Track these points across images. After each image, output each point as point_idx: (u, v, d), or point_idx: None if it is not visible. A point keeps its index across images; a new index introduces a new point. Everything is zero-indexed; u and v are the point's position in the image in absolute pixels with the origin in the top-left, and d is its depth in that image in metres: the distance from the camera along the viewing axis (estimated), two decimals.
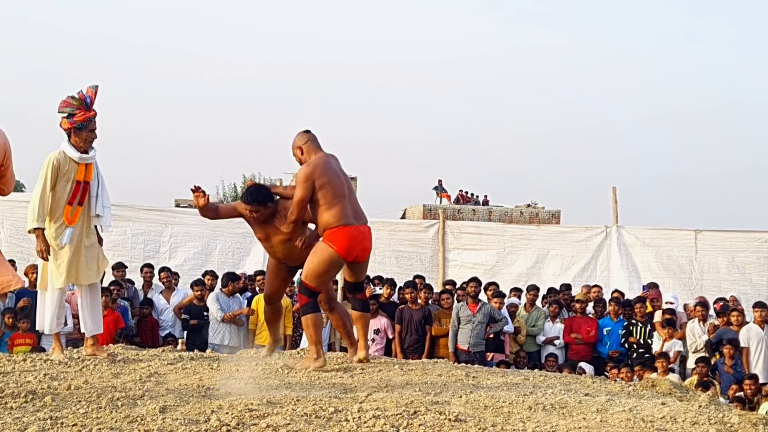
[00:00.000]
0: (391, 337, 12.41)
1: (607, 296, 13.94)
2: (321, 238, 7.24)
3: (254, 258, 15.11)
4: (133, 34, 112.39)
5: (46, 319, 7.84)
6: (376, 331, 12.37)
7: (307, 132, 7.47)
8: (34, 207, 7.59)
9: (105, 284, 12.46)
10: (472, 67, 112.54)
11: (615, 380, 8.70)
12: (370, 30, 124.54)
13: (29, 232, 7.74)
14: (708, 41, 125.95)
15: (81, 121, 7.62)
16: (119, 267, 12.83)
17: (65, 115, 7.65)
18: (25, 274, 11.86)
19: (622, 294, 13.83)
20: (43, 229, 7.62)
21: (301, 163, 7.36)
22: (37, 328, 8.10)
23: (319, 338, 7.26)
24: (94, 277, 8.01)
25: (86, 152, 7.78)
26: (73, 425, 4.45)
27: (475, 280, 12.85)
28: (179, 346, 8.49)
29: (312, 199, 7.13)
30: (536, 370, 8.60)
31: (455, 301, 12.82)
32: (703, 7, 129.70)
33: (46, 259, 7.65)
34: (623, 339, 12.51)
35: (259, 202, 7.36)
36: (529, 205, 49.34)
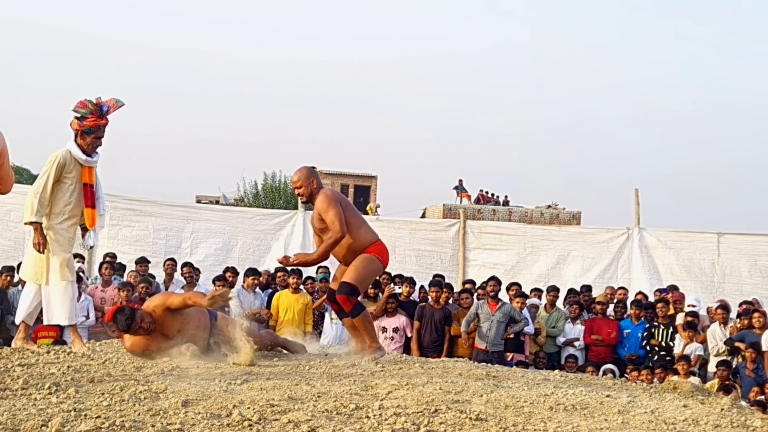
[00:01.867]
0: (409, 335, 12.41)
1: (628, 298, 13.89)
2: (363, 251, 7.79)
3: (275, 255, 15.12)
4: (155, 38, 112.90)
5: (62, 312, 7.92)
6: (395, 330, 12.38)
7: (314, 168, 8.13)
8: (33, 201, 7.71)
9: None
10: (494, 63, 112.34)
11: (635, 382, 8.67)
12: (389, 26, 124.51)
13: (26, 224, 7.86)
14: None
15: (90, 126, 7.79)
16: (142, 262, 12.89)
17: (78, 115, 7.80)
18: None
19: (646, 296, 13.77)
20: (40, 223, 7.74)
21: (308, 194, 7.86)
22: (52, 322, 8.21)
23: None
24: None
25: (90, 156, 7.92)
26: (97, 417, 4.47)
27: (494, 279, 12.83)
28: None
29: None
30: (556, 371, 8.58)
31: (475, 300, 12.81)
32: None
33: (42, 252, 7.75)
34: (644, 341, 12.45)
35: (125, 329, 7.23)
36: (549, 206, 49.30)
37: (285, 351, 8.13)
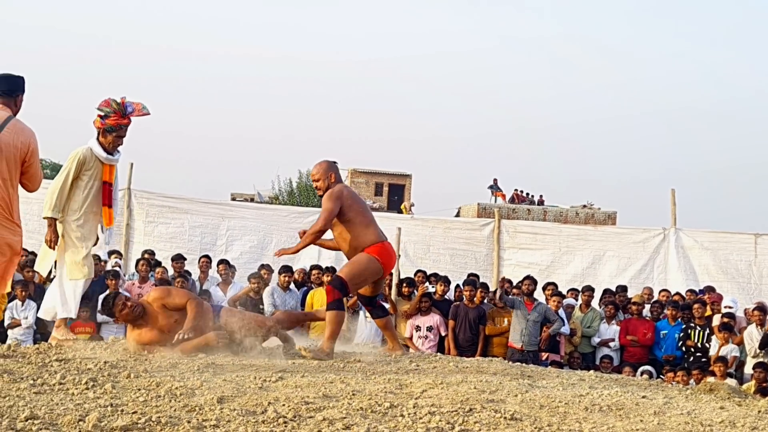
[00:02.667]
0: (443, 334, 12.40)
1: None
2: (362, 251, 7.75)
3: (309, 253, 15.14)
4: (191, 41, 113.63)
5: (61, 306, 8.04)
6: (429, 328, 12.38)
7: (335, 162, 8.04)
8: (52, 196, 7.82)
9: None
10: (530, 59, 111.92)
11: (671, 383, 8.62)
12: (424, 22, 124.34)
13: (44, 218, 7.92)
14: None
15: (111, 125, 7.86)
16: (178, 259, 12.95)
17: (101, 114, 7.87)
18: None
19: (683, 297, 13.66)
20: (56, 219, 7.82)
21: (325, 188, 7.83)
22: (42, 315, 8.40)
23: (337, 335, 7.63)
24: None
25: (111, 154, 8.00)
26: (133, 413, 4.50)
27: (529, 278, 12.79)
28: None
29: (344, 219, 7.71)
30: (591, 371, 8.53)
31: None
32: None
33: (53, 248, 7.84)
34: (680, 342, 12.35)
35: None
36: (584, 206, 49.09)
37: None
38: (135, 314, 7.30)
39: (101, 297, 11.71)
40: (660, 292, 14.24)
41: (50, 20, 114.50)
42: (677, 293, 13.98)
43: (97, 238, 8.35)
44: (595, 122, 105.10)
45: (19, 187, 6.09)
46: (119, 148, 8.10)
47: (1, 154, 5.73)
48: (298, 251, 7.95)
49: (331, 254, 15.41)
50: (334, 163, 7.98)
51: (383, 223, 15.99)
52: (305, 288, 12.80)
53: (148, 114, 8.03)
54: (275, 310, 11.89)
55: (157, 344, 7.33)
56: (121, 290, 11.87)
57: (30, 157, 5.82)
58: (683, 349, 12.32)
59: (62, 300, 8.07)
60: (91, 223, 8.08)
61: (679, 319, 12.64)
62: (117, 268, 12.89)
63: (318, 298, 12.10)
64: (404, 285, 13.05)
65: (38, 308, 10.89)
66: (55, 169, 49.32)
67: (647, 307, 13.33)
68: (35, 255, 12.54)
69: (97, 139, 7.96)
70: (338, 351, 7.66)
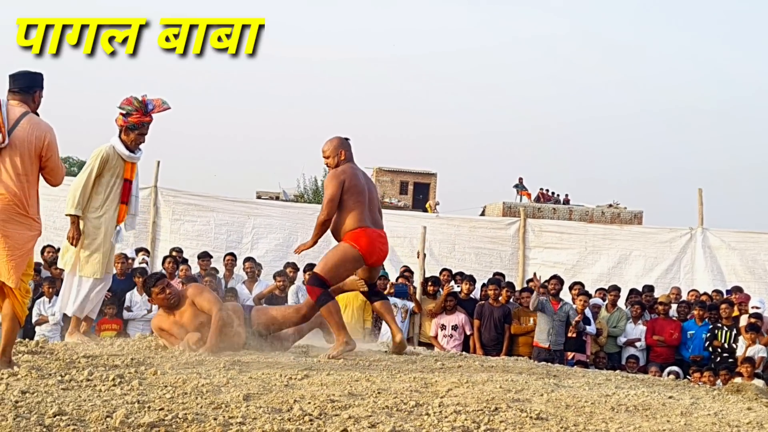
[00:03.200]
0: (469, 333, 12.39)
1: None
2: (342, 239, 7.54)
3: None
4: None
5: (75, 303, 8.11)
6: (454, 327, 12.38)
7: (348, 139, 7.77)
8: (75, 193, 7.89)
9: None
10: (555, 57, 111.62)
11: (697, 384, 8.57)
12: (447, 18, 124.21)
13: (66, 215, 7.99)
14: None
15: (134, 122, 7.94)
16: (204, 257, 13.00)
17: (123, 112, 7.95)
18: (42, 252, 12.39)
19: (711, 297, 13.58)
20: (79, 216, 7.89)
21: (334, 166, 7.62)
22: (62, 310, 8.47)
23: (343, 323, 7.41)
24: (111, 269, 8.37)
25: (133, 152, 8.08)
26: (160, 409, 4.53)
27: (556, 277, 12.76)
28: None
29: (340, 202, 7.45)
30: (617, 371, 8.50)
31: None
32: None
33: (75, 245, 7.90)
34: (707, 343, 12.27)
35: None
36: (610, 205, 48.94)
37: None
38: (170, 302, 7.44)
39: (128, 294, 11.79)
40: (689, 292, 14.16)
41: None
42: (705, 293, 13.89)
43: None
44: (621, 120, 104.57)
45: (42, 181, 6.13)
46: (141, 146, 8.17)
47: (15, 149, 5.78)
48: (314, 243, 7.60)
49: None
50: (346, 140, 7.74)
51: (408, 221, 16.19)
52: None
53: (169, 108, 8.10)
54: None
55: (174, 337, 7.41)
56: None
57: (46, 151, 5.85)
58: (710, 349, 12.25)
59: (74, 297, 8.14)
60: (113, 221, 8.14)
61: (706, 320, 12.56)
62: (144, 265, 12.96)
63: (344, 296, 12.08)
64: (429, 284, 13.05)
65: None
66: (82, 166, 49.64)
67: (674, 307, 13.26)
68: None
69: (119, 136, 8.03)
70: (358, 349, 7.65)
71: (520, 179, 50.81)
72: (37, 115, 6.08)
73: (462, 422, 4.63)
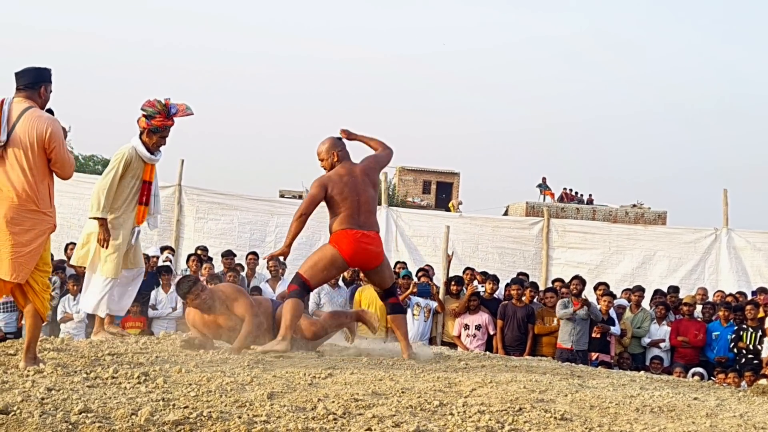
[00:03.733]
0: (492, 333, 12.38)
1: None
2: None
3: None
4: (236, 47, 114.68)
5: (93, 301, 8.18)
6: (477, 327, 12.37)
7: (339, 139, 7.70)
8: (99, 196, 7.93)
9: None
10: (578, 55, 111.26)
11: (722, 385, 8.52)
12: (469, 16, 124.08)
13: (92, 218, 8.03)
14: None
15: (157, 125, 8.00)
16: (228, 255, 13.04)
17: (146, 114, 8.00)
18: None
19: (736, 298, 13.49)
20: (105, 219, 7.95)
21: (329, 168, 7.56)
22: (84, 309, 8.53)
23: (293, 324, 7.25)
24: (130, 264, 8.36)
25: (153, 154, 8.15)
26: (184, 407, 4.54)
27: (577, 278, 12.73)
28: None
29: (329, 205, 7.42)
30: (642, 372, 8.46)
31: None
32: None
33: (106, 247, 7.97)
34: (732, 344, 12.19)
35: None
36: (634, 206, 48.74)
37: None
38: (204, 306, 7.47)
39: (153, 292, 11.85)
40: (715, 293, 14.08)
41: (94, 24, 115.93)
42: (730, 294, 13.81)
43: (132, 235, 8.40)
44: (645, 119, 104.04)
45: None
46: (161, 148, 8.24)
47: (18, 145, 5.81)
48: (287, 248, 7.50)
49: None
50: (339, 140, 7.69)
51: (431, 221, 16.18)
52: (354, 285, 12.80)
53: (192, 114, 8.16)
54: (317, 309, 11.92)
55: (207, 333, 7.47)
56: (171, 286, 12.02)
57: (49, 142, 5.85)
58: (735, 351, 12.16)
59: (96, 296, 8.20)
60: (129, 221, 8.19)
61: (731, 321, 12.48)
62: (168, 263, 13.02)
63: (366, 296, 12.11)
64: (453, 283, 13.04)
65: None
66: (106, 164, 49.89)
67: (698, 308, 13.18)
68: None
69: (140, 137, 8.09)
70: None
71: (544, 179, 50.67)
72: (52, 112, 6.12)
73: (486, 422, 4.62)
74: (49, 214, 5.96)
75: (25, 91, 5.97)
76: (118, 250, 8.04)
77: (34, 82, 6.00)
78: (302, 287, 7.42)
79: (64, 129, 6.11)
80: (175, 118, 8.08)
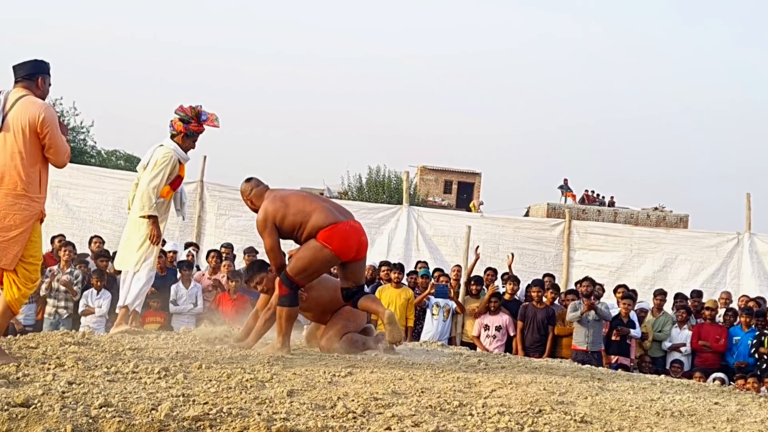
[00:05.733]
0: (512, 334, 12.36)
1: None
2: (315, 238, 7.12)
3: (378, 249, 15.18)
4: (258, 46, 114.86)
5: (133, 294, 8.57)
6: (498, 328, 12.36)
7: (248, 180, 7.52)
8: (150, 195, 8.34)
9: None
10: (600, 57, 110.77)
11: (742, 390, 8.47)
12: (490, 17, 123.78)
13: (143, 217, 8.39)
14: None
15: (193, 130, 8.53)
16: (250, 251, 13.05)
17: (182, 118, 8.50)
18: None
19: (758, 303, 13.39)
20: (156, 217, 8.39)
21: (256, 211, 7.38)
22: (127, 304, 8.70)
23: (289, 331, 7.13)
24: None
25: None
26: (204, 403, 4.54)
27: (588, 279, 12.75)
28: (303, 332, 8.66)
29: (287, 224, 7.12)
30: (662, 376, 8.42)
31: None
32: None
33: (157, 243, 8.44)
34: (753, 349, 12.11)
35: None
36: (656, 208, 48.55)
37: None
38: (266, 292, 7.71)
39: (172, 287, 11.88)
40: (739, 297, 13.98)
41: (134, 28, 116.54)
42: (752, 299, 13.72)
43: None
44: (668, 122, 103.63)
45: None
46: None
47: (10, 130, 5.87)
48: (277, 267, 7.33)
49: (399, 249, 15.48)
50: (248, 180, 7.51)
51: (453, 221, 16.14)
52: (374, 284, 12.80)
53: (218, 127, 8.63)
54: None
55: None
56: (192, 282, 12.06)
57: (41, 127, 5.87)
58: (756, 356, 12.09)
59: (136, 290, 8.57)
60: (164, 215, 8.64)
61: (753, 326, 12.40)
62: (189, 259, 13.06)
63: (386, 294, 12.12)
64: (473, 283, 13.02)
65: (113, 298, 11.27)
66: (129, 159, 50.17)
67: (720, 312, 13.10)
68: (104, 243, 12.84)
69: (173, 140, 8.52)
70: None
71: (565, 180, 50.57)
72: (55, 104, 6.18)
73: (506, 423, 4.61)
74: (36, 200, 5.95)
75: (22, 82, 6.06)
76: (146, 245, 8.43)
77: (32, 74, 6.08)
78: (293, 289, 7.15)
79: (62, 123, 6.18)
80: (204, 126, 8.56)
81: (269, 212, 7.13)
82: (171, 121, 8.51)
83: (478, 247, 13.86)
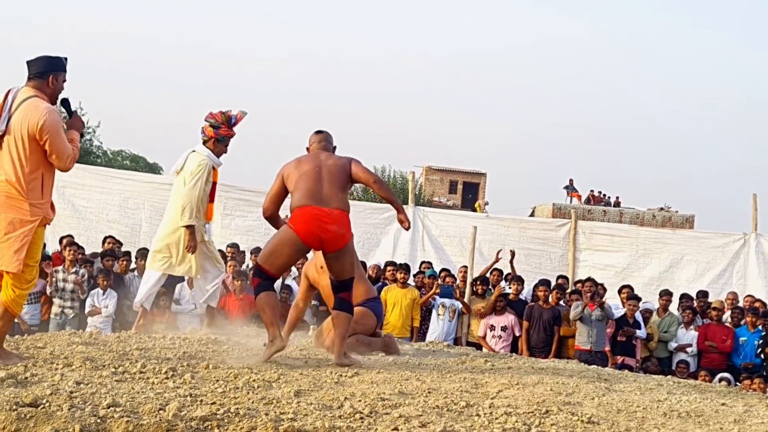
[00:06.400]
0: (518, 334, 12.36)
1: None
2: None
3: (384, 249, 15.20)
4: (263, 47, 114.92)
5: (141, 293, 8.99)
6: (503, 328, 12.36)
7: (318, 133, 7.25)
8: (191, 205, 8.52)
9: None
10: (598, 52, 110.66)
11: (748, 391, 8.46)
12: (495, 17, 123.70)
13: (183, 227, 8.59)
14: None
15: (224, 135, 8.70)
16: (257, 252, 13.03)
17: (213, 124, 8.68)
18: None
19: (765, 304, 13.38)
20: (194, 226, 8.55)
21: None
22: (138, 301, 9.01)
23: (276, 319, 6.63)
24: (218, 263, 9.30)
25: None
26: (212, 403, 4.55)
27: (590, 279, 12.76)
28: (310, 332, 8.70)
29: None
30: (669, 376, 8.41)
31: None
32: None
33: (193, 252, 8.63)
34: (759, 350, 12.10)
35: None
36: (662, 209, 48.49)
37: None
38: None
39: (177, 286, 11.88)
40: (745, 297, 13.96)
41: (156, 32, 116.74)
42: (758, 300, 13.70)
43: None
44: (673, 121, 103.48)
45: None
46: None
47: (13, 133, 5.80)
48: None
49: (405, 250, 15.45)
50: (320, 132, 7.26)
51: (458, 221, 16.12)
52: (380, 284, 12.80)
53: (246, 114, 8.86)
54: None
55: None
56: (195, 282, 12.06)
57: (41, 133, 5.75)
58: (762, 356, 12.07)
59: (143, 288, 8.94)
60: (202, 221, 8.78)
61: (759, 327, 12.38)
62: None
63: (392, 295, 12.12)
64: (478, 283, 13.02)
65: (118, 298, 11.34)
66: (134, 159, 50.28)
67: (726, 313, 13.09)
68: (120, 244, 12.89)
69: (206, 145, 8.71)
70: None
71: (571, 180, 50.55)
72: (67, 102, 6.15)
73: (513, 424, 4.61)
74: (37, 206, 5.85)
75: (34, 80, 5.94)
76: (198, 249, 8.70)
77: (43, 72, 5.94)
78: (264, 278, 6.75)
79: (79, 117, 6.17)
80: (235, 128, 8.79)
81: (285, 167, 6.98)
82: (202, 127, 8.72)
83: (500, 250, 13.88)
